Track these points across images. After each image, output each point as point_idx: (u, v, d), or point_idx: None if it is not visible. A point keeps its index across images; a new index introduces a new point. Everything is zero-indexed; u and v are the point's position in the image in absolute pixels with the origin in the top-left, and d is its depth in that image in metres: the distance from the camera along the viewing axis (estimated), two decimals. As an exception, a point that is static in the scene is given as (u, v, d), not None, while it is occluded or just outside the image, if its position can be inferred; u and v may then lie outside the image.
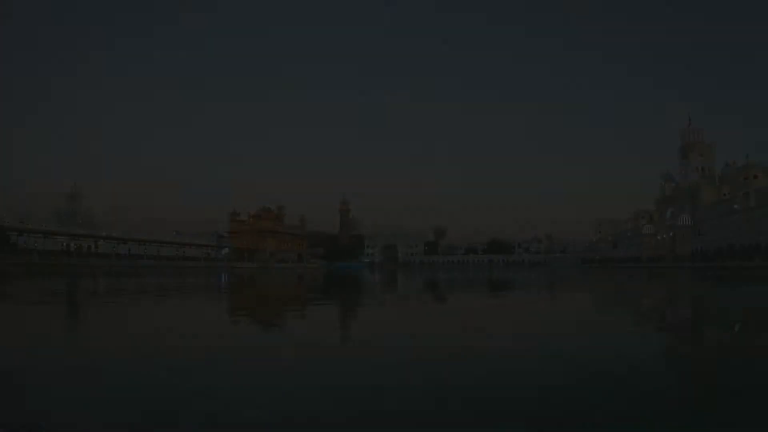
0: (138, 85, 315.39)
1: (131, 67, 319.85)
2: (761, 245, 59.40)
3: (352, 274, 53.70)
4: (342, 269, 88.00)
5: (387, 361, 5.20)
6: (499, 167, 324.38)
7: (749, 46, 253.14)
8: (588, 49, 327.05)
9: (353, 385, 4.06)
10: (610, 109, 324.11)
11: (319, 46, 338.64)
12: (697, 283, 27.64)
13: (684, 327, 9.07)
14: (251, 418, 3.07)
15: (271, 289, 22.97)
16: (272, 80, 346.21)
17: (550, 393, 3.71)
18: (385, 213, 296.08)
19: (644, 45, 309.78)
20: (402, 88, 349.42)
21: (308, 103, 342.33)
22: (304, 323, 9.68)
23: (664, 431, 2.84)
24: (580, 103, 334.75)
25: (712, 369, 4.84)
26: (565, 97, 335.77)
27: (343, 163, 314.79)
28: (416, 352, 5.72)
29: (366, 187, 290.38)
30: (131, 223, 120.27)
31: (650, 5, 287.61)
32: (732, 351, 5.88)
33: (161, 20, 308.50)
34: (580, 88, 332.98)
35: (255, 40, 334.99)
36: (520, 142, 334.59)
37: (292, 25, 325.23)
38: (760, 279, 28.23)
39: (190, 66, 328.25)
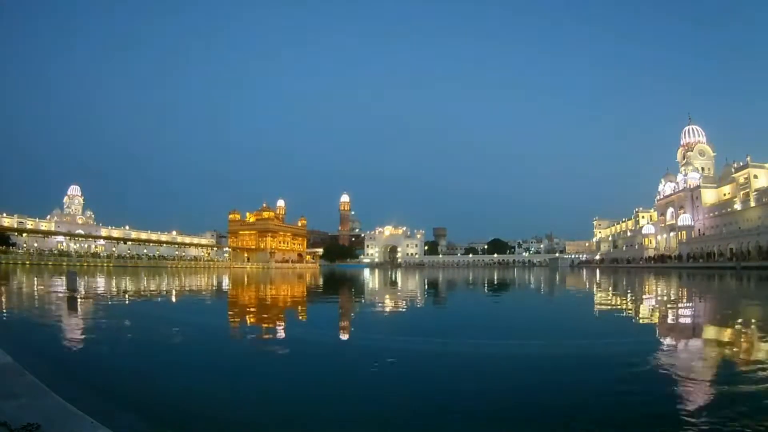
0: (137, 85, 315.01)
1: (129, 67, 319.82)
2: (761, 245, 59.31)
3: (353, 273, 53.56)
4: (342, 269, 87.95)
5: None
6: (500, 167, 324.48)
7: (750, 46, 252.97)
8: (589, 50, 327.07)
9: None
10: (610, 109, 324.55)
11: (319, 46, 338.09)
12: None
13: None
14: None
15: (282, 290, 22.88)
16: (272, 79, 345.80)
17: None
18: (385, 213, 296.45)
19: (645, 45, 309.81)
20: (402, 88, 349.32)
21: (309, 103, 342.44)
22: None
23: None
24: (580, 104, 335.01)
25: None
26: (566, 97, 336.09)
27: (343, 162, 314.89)
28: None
29: (367, 186, 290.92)
30: (131, 223, 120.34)
31: (652, 6, 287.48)
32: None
33: (159, 21, 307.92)
34: (581, 88, 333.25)
35: (255, 38, 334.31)
36: (520, 141, 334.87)
37: (295, 23, 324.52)
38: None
39: (190, 65, 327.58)
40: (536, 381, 4.57)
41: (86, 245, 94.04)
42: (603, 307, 13.50)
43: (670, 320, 9.81)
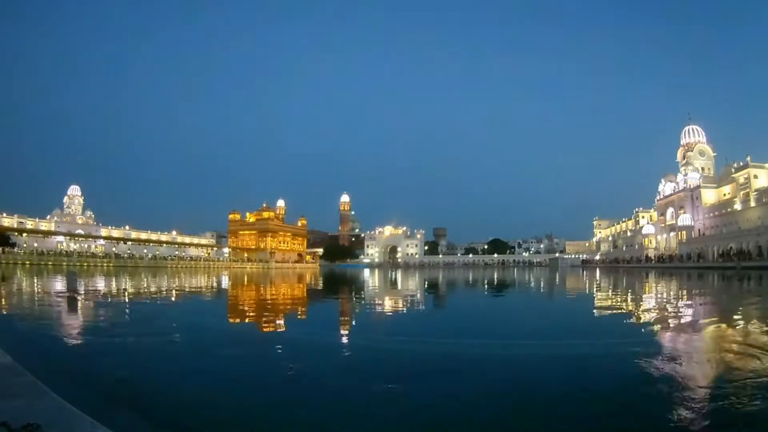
0: (138, 85, 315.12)
1: (129, 67, 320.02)
2: (761, 245, 59.27)
3: (353, 274, 53.54)
4: (342, 269, 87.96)
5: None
6: (500, 167, 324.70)
7: (750, 46, 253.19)
8: (589, 50, 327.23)
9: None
10: (610, 109, 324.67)
11: (319, 45, 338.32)
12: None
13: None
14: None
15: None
16: (272, 79, 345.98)
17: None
18: (385, 213, 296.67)
19: (645, 46, 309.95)
20: (403, 87, 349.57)
21: (308, 102, 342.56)
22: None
23: None
24: (580, 104, 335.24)
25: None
26: (566, 97, 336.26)
27: (343, 162, 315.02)
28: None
29: (367, 186, 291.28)
30: (131, 223, 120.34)
31: (653, 7, 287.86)
32: None
33: (161, 21, 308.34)
34: (581, 88, 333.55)
35: (255, 38, 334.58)
36: (520, 141, 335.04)
37: (297, 24, 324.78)
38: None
39: (190, 65, 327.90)
40: (536, 382, 4.56)
41: (86, 245, 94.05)
42: (603, 307, 13.49)
43: (671, 320, 9.81)
